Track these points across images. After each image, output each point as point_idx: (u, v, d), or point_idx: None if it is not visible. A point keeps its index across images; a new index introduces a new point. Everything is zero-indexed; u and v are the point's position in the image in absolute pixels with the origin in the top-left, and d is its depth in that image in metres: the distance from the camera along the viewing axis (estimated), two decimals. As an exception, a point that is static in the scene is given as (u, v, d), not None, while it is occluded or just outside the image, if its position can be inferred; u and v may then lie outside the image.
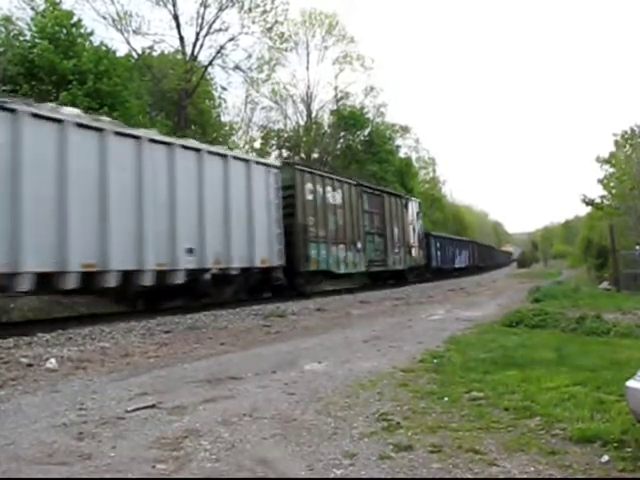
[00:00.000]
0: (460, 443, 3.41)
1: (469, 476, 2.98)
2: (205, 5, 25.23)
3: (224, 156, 13.35)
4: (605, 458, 3.14)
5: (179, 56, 25.79)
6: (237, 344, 7.94)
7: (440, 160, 60.58)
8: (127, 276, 10.56)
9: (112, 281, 10.26)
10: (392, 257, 23.07)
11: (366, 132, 37.65)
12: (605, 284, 20.55)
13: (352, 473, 3.05)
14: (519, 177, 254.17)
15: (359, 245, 19.71)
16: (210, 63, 26.43)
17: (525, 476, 2.97)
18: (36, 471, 3.13)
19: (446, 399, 4.43)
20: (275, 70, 32.04)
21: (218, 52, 26.23)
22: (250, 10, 26.33)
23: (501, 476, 2.98)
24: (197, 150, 12.54)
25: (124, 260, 10.40)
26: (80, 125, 10.00)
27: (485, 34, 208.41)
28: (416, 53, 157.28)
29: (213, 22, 25.52)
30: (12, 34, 18.25)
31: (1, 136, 8.80)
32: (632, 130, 25.77)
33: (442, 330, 8.71)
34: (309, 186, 16.66)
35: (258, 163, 14.66)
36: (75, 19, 18.54)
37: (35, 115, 9.27)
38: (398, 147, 43.00)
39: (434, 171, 58.87)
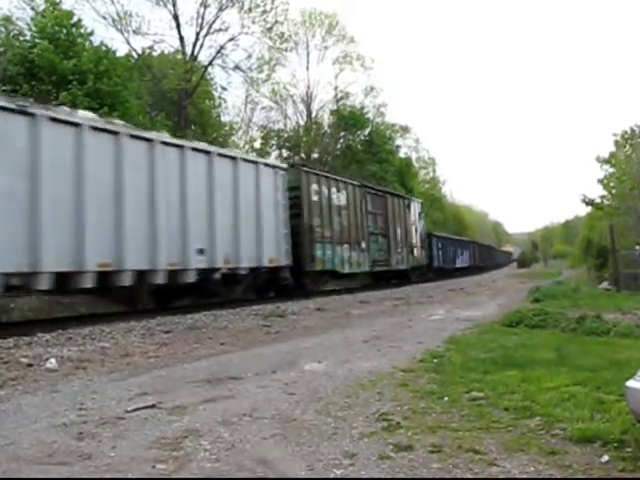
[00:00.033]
0: (460, 443, 3.41)
1: (469, 476, 2.98)
2: (205, 5, 25.27)
3: (233, 158, 13.65)
4: (605, 458, 3.14)
5: (179, 56, 25.79)
6: (237, 344, 7.94)
7: (440, 160, 60.70)
8: (141, 275, 10.86)
9: (127, 280, 10.57)
10: (395, 257, 23.38)
11: (366, 132, 37.66)
12: (605, 284, 20.54)
13: (352, 473, 3.05)
14: (519, 177, 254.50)
15: (363, 245, 20.01)
16: (210, 63, 26.46)
17: (525, 476, 2.97)
18: (36, 471, 3.13)
19: (446, 399, 4.43)
20: (275, 70, 32.08)
21: (218, 52, 26.27)
22: (250, 10, 26.36)
23: (501, 476, 2.97)
24: (207, 152, 12.81)
25: (138, 260, 10.70)
26: (96, 128, 10.24)
27: (485, 34, 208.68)
28: (416, 53, 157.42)
29: (213, 22, 25.56)
30: (12, 34, 18.25)
31: (21, 140, 9.02)
32: (632, 130, 25.77)
33: (442, 330, 8.71)
34: (315, 187, 16.97)
35: (266, 165, 14.98)
36: (75, 19, 18.54)
37: (53, 119, 9.49)
38: (398, 147, 43.07)
39: (434, 171, 58.97)
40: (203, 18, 25.30)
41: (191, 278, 11.95)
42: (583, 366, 5.51)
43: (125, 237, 10.43)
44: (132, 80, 20.33)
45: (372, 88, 38.73)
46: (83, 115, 10.51)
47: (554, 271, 49.60)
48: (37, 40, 17.27)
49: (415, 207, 27.18)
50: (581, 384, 4.72)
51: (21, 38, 18.07)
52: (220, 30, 25.81)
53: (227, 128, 30.96)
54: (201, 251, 12.12)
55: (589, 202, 26.16)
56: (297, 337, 8.57)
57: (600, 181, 27.10)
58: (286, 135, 36.83)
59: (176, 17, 25.16)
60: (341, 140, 37.86)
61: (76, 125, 9.89)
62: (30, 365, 6.20)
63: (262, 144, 35.99)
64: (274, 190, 14.84)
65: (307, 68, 37.30)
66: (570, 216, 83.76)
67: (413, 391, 4.74)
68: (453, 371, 5.46)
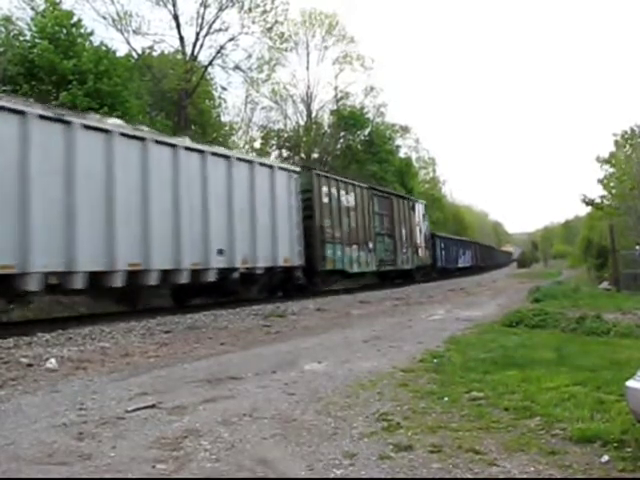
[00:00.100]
0: (460, 443, 3.41)
1: (469, 476, 2.98)
2: (205, 5, 25.27)
3: (250, 162, 14.29)
4: (605, 458, 3.13)
5: (179, 56, 25.78)
6: (237, 344, 7.94)
7: (440, 160, 60.71)
8: (166, 275, 11.37)
9: (153, 279, 11.08)
10: (401, 257, 23.99)
11: (366, 132, 37.64)
12: (605, 284, 20.54)
13: (352, 473, 3.04)
14: (519, 177, 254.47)
15: (371, 245, 20.66)
16: (210, 63, 26.46)
17: (525, 476, 2.97)
18: (36, 471, 3.13)
19: (446, 399, 4.43)
20: (275, 70, 32.08)
21: (218, 52, 26.27)
22: (250, 10, 26.35)
23: (501, 476, 2.97)
24: (226, 157, 13.40)
25: (164, 260, 11.24)
26: (124, 135, 10.75)
27: (485, 34, 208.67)
28: (416, 53, 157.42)
29: (213, 22, 25.56)
30: (12, 34, 18.22)
31: (58, 147, 9.51)
32: (632, 130, 25.76)
33: (442, 330, 8.71)
34: (325, 189, 17.53)
35: (281, 168, 15.59)
36: (75, 19, 18.50)
37: (86, 126, 10.01)
38: (398, 147, 43.04)
39: (434, 171, 58.95)
40: (203, 18, 25.34)
41: (212, 277, 12.47)
42: (583, 366, 5.50)
43: (152, 238, 10.97)
44: (132, 80, 20.31)
45: (372, 88, 38.77)
46: (112, 122, 11.09)
47: (554, 271, 49.61)
48: (37, 40, 17.25)
49: (419, 208, 27.80)
50: (581, 384, 4.72)
51: (21, 38, 18.04)
52: (220, 30, 25.85)
53: (227, 128, 30.96)
54: (221, 251, 12.66)
55: (589, 202, 26.16)
56: (297, 337, 8.57)
57: (600, 181, 27.13)
58: (286, 135, 36.82)
59: (176, 17, 25.18)
60: (341, 140, 37.84)
61: (106, 132, 10.39)
62: (30, 365, 6.20)
63: (262, 144, 36.01)
64: (288, 193, 15.43)
65: (307, 68, 37.33)
66: (570, 216, 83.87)
67: (413, 391, 4.74)
68: (453, 371, 5.46)
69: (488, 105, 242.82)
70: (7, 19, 18.69)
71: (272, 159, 28.27)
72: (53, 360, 6.33)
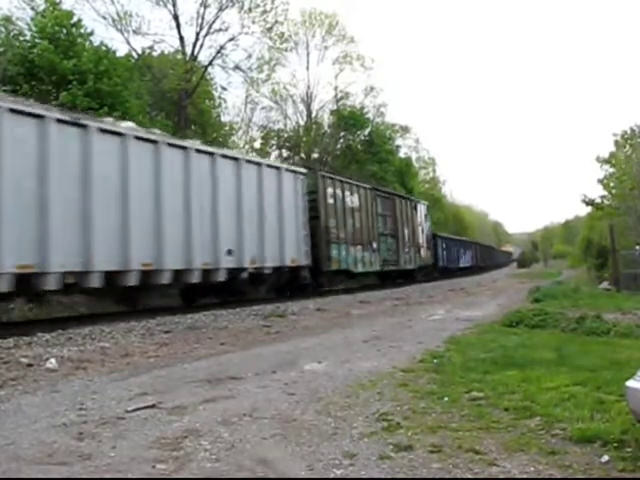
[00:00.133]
0: (460, 443, 3.41)
1: (469, 476, 2.98)
2: (205, 5, 25.27)
3: (258, 164, 14.61)
4: (605, 458, 3.13)
5: (179, 56, 25.78)
6: (237, 344, 7.94)
7: (440, 160, 60.70)
8: (178, 274, 11.67)
9: (166, 279, 11.38)
10: (403, 257, 24.36)
11: (366, 132, 37.63)
12: (605, 284, 20.53)
13: (352, 473, 3.04)
14: (519, 177, 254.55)
15: (374, 245, 21.01)
16: (210, 63, 26.45)
17: (525, 476, 2.97)
18: (36, 471, 3.13)
19: (446, 399, 4.43)
20: (275, 70, 32.08)
21: (218, 52, 26.26)
22: (250, 10, 26.35)
23: (501, 476, 2.97)
24: (235, 159, 13.70)
25: (176, 260, 11.53)
26: (138, 138, 11.00)
27: (485, 34, 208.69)
28: (416, 53, 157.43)
29: (213, 22, 25.56)
30: (12, 34, 18.23)
31: (75, 150, 9.76)
32: (632, 130, 25.76)
33: (442, 330, 8.71)
34: (330, 191, 17.84)
35: (288, 170, 15.90)
36: (75, 19, 18.51)
37: (102, 130, 10.28)
38: (398, 147, 43.03)
39: (434, 171, 58.95)
40: (203, 18, 25.34)
41: (221, 277, 12.76)
42: (583, 366, 5.50)
43: (164, 239, 11.24)
44: (132, 80, 20.31)
45: (372, 88, 38.76)
46: (126, 125, 11.30)
47: (554, 271, 49.60)
48: (37, 40, 17.25)
49: (421, 209, 28.22)
50: (581, 384, 4.72)
51: (21, 38, 18.04)
52: (220, 30, 25.85)
53: (227, 128, 30.95)
54: (230, 252, 12.94)
55: (589, 202, 26.12)
56: (297, 337, 8.56)
57: (600, 181, 27.11)
58: (286, 135, 36.80)
59: (176, 17, 25.18)
60: (341, 140, 37.84)
61: (121, 135, 10.63)
62: (30, 365, 6.20)
63: (262, 144, 36.00)
64: (295, 194, 15.75)
65: (307, 68, 37.32)
66: (570, 216, 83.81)
67: (413, 391, 4.74)
68: (453, 371, 5.46)
69: (488, 105, 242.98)
70: (7, 19, 18.69)
71: (273, 159, 28.28)
72: (53, 360, 6.33)
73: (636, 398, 3.00)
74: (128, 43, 24.70)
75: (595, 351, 6.55)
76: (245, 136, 34.94)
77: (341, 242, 18.13)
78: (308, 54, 36.99)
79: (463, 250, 41.90)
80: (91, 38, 19.00)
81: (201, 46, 25.75)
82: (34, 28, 17.78)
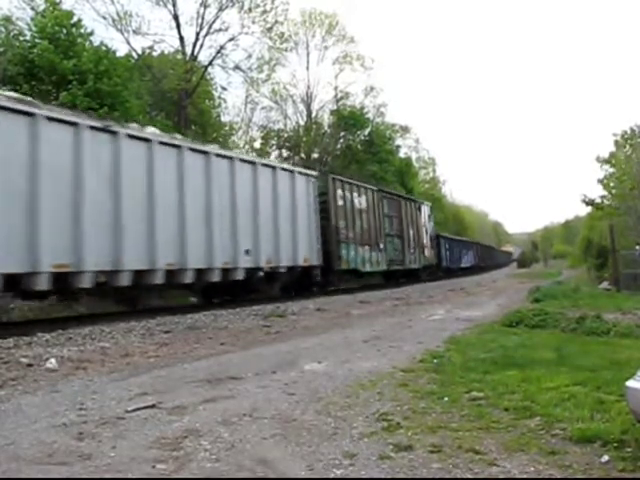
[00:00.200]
0: (460, 443, 3.41)
1: (469, 476, 2.98)
2: (205, 5, 25.22)
3: (273, 167, 15.25)
4: (605, 458, 3.13)
5: (179, 56, 25.75)
6: (237, 344, 7.94)
7: (440, 160, 60.66)
8: (200, 273, 12.19)
9: (189, 278, 11.92)
10: (408, 257, 24.99)
11: (366, 132, 37.58)
12: (605, 284, 20.52)
13: (352, 473, 3.04)
14: (519, 177, 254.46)
15: (381, 246, 21.73)
16: (210, 63, 26.42)
17: (525, 476, 2.97)
18: (36, 471, 3.13)
19: (446, 399, 4.43)
20: (275, 70, 32.04)
21: (218, 52, 26.23)
22: (250, 10, 26.32)
23: (501, 476, 2.97)
24: (252, 163, 14.35)
25: (198, 260, 12.05)
26: (163, 143, 11.53)
27: (485, 34, 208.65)
28: (416, 53, 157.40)
29: (213, 22, 25.52)
30: (12, 34, 18.21)
31: (106, 156, 10.26)
32: (632, 130, 25.73)
33: (442, 330, 8.71)
34: (340, 192, 18.47)
35: (300, 173, 16.49)
36: (75, 19, 18.47)
37: (130, 135, 10.78)
38: (398, 147, 42.97)
39: (434, 171, 58.90)
40: (203, 18, 25.30)
41: (240, 276, 13.35)
42: (583, 366, 5.51)
43: (187, 239, 11.74)
44: (132, 80, 20.28)
45: (372, 88, 38.71)
46: (150, 131, 11.84)
47: (554, 271, 49.59)
48: (37, 40, 17.22)
49: (425, 210, 28.94)
50: (581, 384, 4.72)
51: (21, 38, 18.01)
52: (220, 30, 25.80)
53: (227, 128, 30.94)
54: (247, 252, 13.52)
55: (589, 202, 26.10)
56: (297, 337, 8.57)
57: (600, 181, 27.09)
58: (286, 135, 36.77)
59: (176, 17, 25.14)
60: (341, 140, 37.80)
61: (147, 140, 11.14)
62: (30, 365, 6.20)
63: (262, 144, 35.97)
64: (307, 196, 16.37)
65: (307, 68, 37.26)
66: (570, 216, 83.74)
67: (413, 391, 4.74)
68: (453, 371, 5.46)
69: (488, 105, 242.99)
70: (7, 19, 18.67)
71: (272, 159, 28.27)
72: (53, 360, 6.34)
73: (636, 398, 3.00)
74: (128, 43, 24.71)
75: (595, 351, 6.55)
76: (245, 136, 34.98)
77: (350, 242, 18.65)
78: (308, 54, 37.00)
79: (465, 250, 42.39)
80: (91, 38, 18.98)
81: (201, 46, 25.76)
82: (34, 28, 17.76)
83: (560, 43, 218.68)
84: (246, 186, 13.69)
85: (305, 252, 15.90)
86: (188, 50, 25.69)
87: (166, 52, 26.11)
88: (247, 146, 33.67)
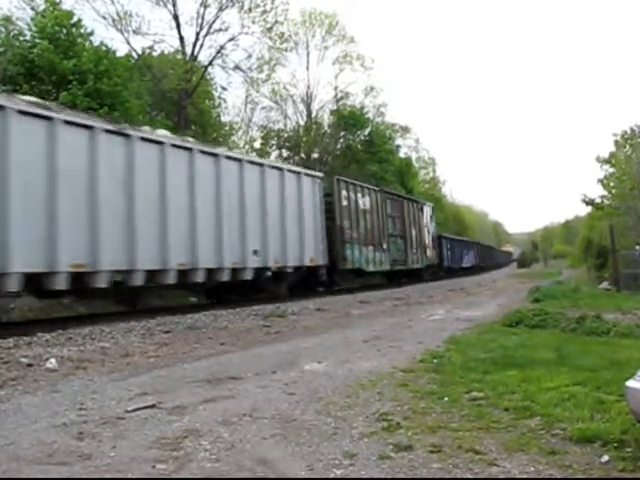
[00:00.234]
0: (460, 443, 3.41)
1: (469, 476, 2.98)
2: (205, 5, 25.20)
3: (280, 169, 15.54)
4: (605, 458, 3.13)
5: (179, 56, 25.74)
6: (237, 344, 7.94)
7: (440, 160, 60.64)
8: (210, 273, 12.47)
9: (200, 277, 12.17)
10: (411, 257, 25.32)
11: (366, 132, 37.56)
12: (605, 284, 20.52)
13: (352, 473, 3.04)
14: (519, 177, 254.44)
15: (384, 246, 22.01)
16: (210, 63, 26.41)
17: (525, 476, 2.97)
18: (36, 471, 3.13)
19: (446, 399, 4.43)
20: (275, 70, 32.01)
21: (218, 52, 26.21)
22: (250, 10, 26.30)
23: (501, 476, 2.97)
24: (260, 165, 14.64)
25: (208, 260, 12.32)
26: (175, 146, 11.77)
27: (485, 34, 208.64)
28: (416, 53, 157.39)
29: (213, 22, 25.50)
30: (12, 34, 18.20)
31: (120, 159, 10.52)
32: (632, 130, 25.71)
33: (442, 330, 8.71)
34: (344, 193, 18.80)
35: (307, 175, 16.79)
36: (75, 19, 18.46)
37: (143, 139, 11.04)
38: (398, 147, 42.94)
39: (434, 171, 58.86)
40: (203, 18, 25.28)
41: (249, 276, 13.64)
42: (583, 366, 5.51)
43: (198, 240, 12.01)
44: (132, 80, 20.27)
45: (372, 88, 38.69)
46: (162, 134, 12.10)
47: (554, 271, 49.58)
48: (37, 40, 17.22)
49: (427, 210, 29.38)
50: (581, 384, 4.72)
51: (21, 38, 18.01)
52: (220, 30, 25.78)
53: (227, 128, 30.92)
54: (256, 252, 13.81)
55: (589, 202, 26.09)
56: (297, 337, 8.57)
57: (600, 181, 27.08)
58: (286, 135, 36.76)
59: (176, 17, 25.12)
60: (341, 140, 37.78)
61: (159, 143, 11.38)
62: (30, 365, 6.20)
63: (262, 144, 35.95)
64: (313, 197, 16.67)
65: (307, 68, 37.22)
66: (570, 216, 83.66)
67: (413, 391, 4.74)
68: (453, 371, 5.46)
69: (488, 105, 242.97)
70: (7, 19, 18.66)
71: (273, 159, 28.27)
72: (53, 360, 6.34)
73: (636, 398, 3.00)
74: (128, 43, 24.68)
75: (595, 351, 6.55)
76: (245, 136, 34.95)
77: (354, 242, 18.92)
78: (308, 54, 36.96)
79: (466, 250, 42.77)
80: (91, 38, 18.97)
81: (201, 46, 25.74)
82: (34, 28, 17.75)
83: (560, 43, 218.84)
84: (254, 187, 13.96)
85: (311, 252, 16.16)
86: (188, 50, 25.71)
87: (166, 52, 26.12)
88: (247, 146, 33.67)
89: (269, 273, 14.40)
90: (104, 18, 23.27)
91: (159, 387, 5.13)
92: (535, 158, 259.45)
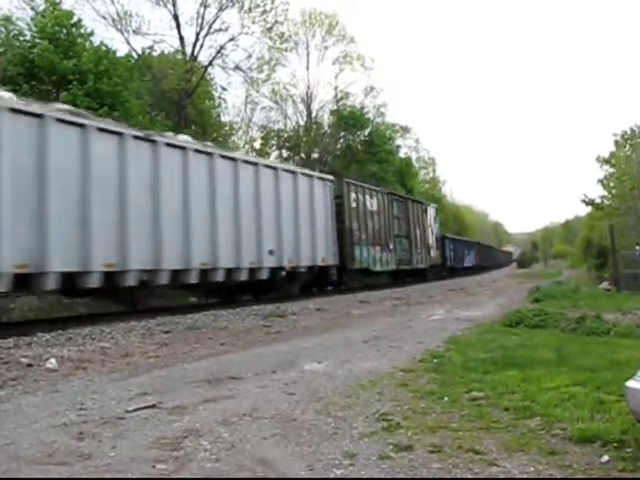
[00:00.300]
0: (460, 443, 3.41)
1: (469, 476, 2.98)
2: (205, 5, 25.18)
3: (294, 173, 16.06)
4: (605, 458, 3.14)
5: (179, 56, 25.73)
6: (237, 344, 7.94)
7: (440, 160, 60.60)
8: (229, 272, 12.93)
9: (220, 276, 12.67)
10: (416, 257, 25.83)
11: (366, 132, 37.54)
12: (605, 284, 20.51)
13: (352, 473, 3.05)
14: (519, 177, 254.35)
15: (391, 246, 22.52)
16: (210, 63, 26.39)
17: (525, 476, 2.97)
18: (36, 471, 3.13)
19: (446, 399, 4.43)
20: (275, 70, 31.98)
21: (218, 52, 26.19)
22: (250, 10, 26.29)
23: (501, 476, 2.98)
24: (274, 168, 15.19)
25: (228, 260, 12.83)
26: (197, 151, 12.26)
27: (485, 34, 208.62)
28: (416, 53, 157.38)
29: (213, 22, 25.48)
30: (12, 34, 18.21)
31: (147, 164, 10.97)
32: (632, 130, 25.72)
33: (442, 330, 8.71)
34: (353, 195, 19.35)
35: (318, 178, 17.38)
36: (75, 19, 18.47)
37: (168, 144, 11.51)
38: (398, 147, 42.92)
39: (434, 171, 58.83)
40: (203, 18, 25.26)
41: (264, 275, 14.15)
42: (583, 366, 5.51)
43: (218, 241, 12.49)
44: (132, 80, 20.28)
45: (372, 88, 38.65)
46: (183, 139, 12.58)
47: (554, 271, 49.59)
48: (37, 40, 17.22)
49: (431, 211, 29.99)
50: (581, 384, 4.72)
51: (21, 38, 18.01)
52: (220, 30, 25.76)
53: (227, 128, 30.89)
54: (271, 252, 14.31)
55: (589, 202, 26.09)
56: (297, 337, 8.57)
57: (600, 181, 27.08)
58: (286, 135, 36.74)
59: (176, 17, 25.10)
60: (341, 140, 37.76)
61: (183, 149, 11.86)
62: (30, 365, 6.20)
63: (262, 144, 35.93)
64: (324, 199, 17.22)
65: (307, 68, 37.17)
66: (570, 216, 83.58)
67: (413, 391, 4.74)
68: (453, 371, 5.46)
69: (488, 105, 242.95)
70: (7, 19, 18.66)
71: (272, 159, 28.28)
72: (53, 360, 6.34)
73: (636, 398, 3.00)
74: (128, 43, 24.67)
75: (595, 351, 6.55)
76: (245, 136, 34.92)
77: (362, 243, 19.48)
78: (308, 54, 36.92)
79: (467, 250, 43.16)
80: (91, 38, 18.99)
81: (201, 46, 25.72)
82: (34, 28, 17.75)
83: (560, 43, 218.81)
84: (269, 190, 14.48)
85: (323, 252, 16.69)
86: (188, 50, 25.69)
87: (166, 52, 26.10)
88: (247, 146, 33.67)
89: (284, 273, 14.87)
90: (104, 18, 23.28)
91: (159, 387, 5.13)
92: (535, 158, 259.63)
